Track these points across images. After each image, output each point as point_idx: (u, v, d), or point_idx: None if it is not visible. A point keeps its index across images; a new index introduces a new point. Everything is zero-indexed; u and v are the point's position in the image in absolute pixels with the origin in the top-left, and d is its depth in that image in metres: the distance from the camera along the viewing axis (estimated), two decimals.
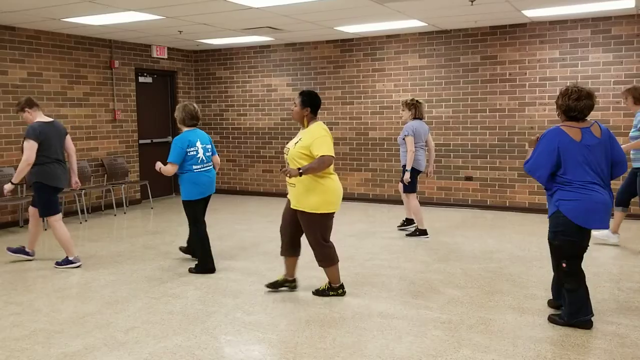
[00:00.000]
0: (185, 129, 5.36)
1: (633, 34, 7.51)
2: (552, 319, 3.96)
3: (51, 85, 8.19)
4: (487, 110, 8.43)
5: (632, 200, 6.14)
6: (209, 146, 5.44)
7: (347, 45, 9.32)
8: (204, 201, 5.44)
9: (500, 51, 8.26)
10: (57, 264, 5.62)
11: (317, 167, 4.13)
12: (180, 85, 10.51)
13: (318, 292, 4.62)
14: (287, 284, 4.70)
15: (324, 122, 4.52)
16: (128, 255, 6.11)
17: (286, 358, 3.47)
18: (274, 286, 4.67)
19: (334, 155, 4.24)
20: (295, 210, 4.37)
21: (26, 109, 5.53)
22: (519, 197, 8.34)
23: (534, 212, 8.14)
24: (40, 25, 7.60)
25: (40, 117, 5.55)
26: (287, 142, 4.51)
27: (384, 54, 9.04)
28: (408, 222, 7.04)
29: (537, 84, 8.09)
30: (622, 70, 7.58)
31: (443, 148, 8.74)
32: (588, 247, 3.82)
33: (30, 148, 5.35)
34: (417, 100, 6.61)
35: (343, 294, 4.63)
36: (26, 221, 5.89)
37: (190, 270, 5.37)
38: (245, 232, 7.22)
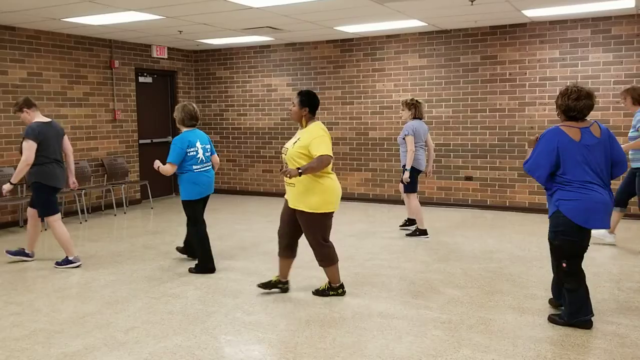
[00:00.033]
0: (184, 129, 5.36)
1: (633, 34, 7.51)
2: (552, 319, 3.96)
3: (51, 85, 8.19)
4: (487, 110, 8.43)
5: (632, 200, 6.14)
6: (208, 146, 5.45)
7: (347, 45, 9.32)
8: (203, 201, 5.45)
9: (500, 51, 8.26)
10: (57, 264, 5.62)
11: (316, 166, 4.13)
12: (180, 85, 10.52)
13: (318, 292, 4.62)
14: (280, 285, 4.68)
15: (324, 122, 4.53)
16: (128, 255, 6.11)
17: (286, 358, 3.47)
18: (267, 286, 4.65)
19: (332, 155, 4.24)
20: (294, 211, 4.37)
21: (24, 109, 5.53)
22: (519, 197, 8.34)
23: (534, 212, 8.14)
24: (40, 25, 7.60)
25: (39, 118, 5.55)
26: (287, 142, 4.51)
27: (384, 54, 9.04)
28: (410, 222, 7.03)
29: (537, 84, 8.09)
30: (622, 70, 7.58)
31: (443, 148, 8.74)
32: (588, 247, 3.82)
33: (30, 148, 5.35)
34: (416, 100, 6.61)
35: (343, 293, 4.63)
36: (26, 221, 5.89)
37: (190, 270, 5.37)
38: (245, 232, 7.22)
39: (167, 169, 5.19)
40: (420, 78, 8.81)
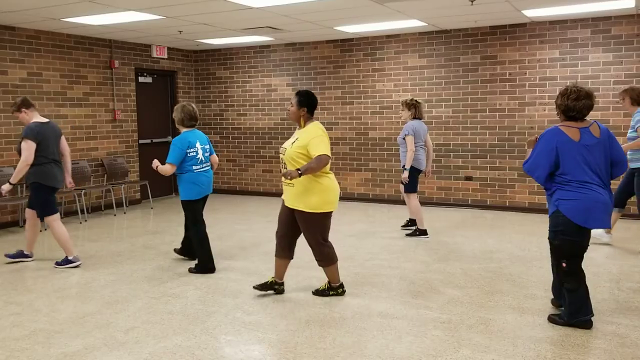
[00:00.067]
0: (184, 129, 5.37)
1: (633, 34, 7.51)
2: (552, 319, 3.97)
3: (51, 85, 8.19)
4: (487, 110, 8.43)
5: (632, 200, 6.14)
6: (207, 146, 5.46)
7: (347, 45, 9.32)
8: (203, 201, 5.46)
9: (500, 51, 8.26)
10: (57, 264, 5.62)
11: (315, 166, 4.13)
12: (180, 85, 10.52)
13: (318, 292, 4.62)
14: (276, 286, 4.66)
15: (324, 122, 4.53)
16: (128, 255, 6.11)
17: (286, 358, 3.47)
18: (263, 288, 4.63)
19: (330, 154, 4.24)
20: (292, 211, 4.37)
21: (23, 109, 5.53)
22: (519, 197, 8.34)
23: (534, 212, 8.15)
24: (40, 25, 7.60)
25: (37, 118, 5.55)
26: (285, 142, 4.51)
27: (384, 54, 9.04)
28: (412, 222, 7.02)
29: (537, 84, 8.09)
30: (622, 70, 7.59)
31: (443, 148, 8.74)
32: (588, 247, 3.82)
33: (29, 148, 5.35)
34: (416, 100, 6.62)
35: (343, 293, 4.63)
36: (26, 221, 5.89)
37: (190, 270, 5.37)
38: (245, 232, 7.22)
39: (166, 169, 5.18)
40: (420, 78, 8.82)
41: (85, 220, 8.13)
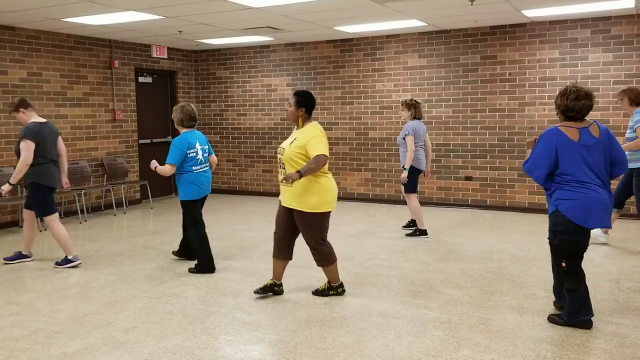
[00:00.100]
0: (183, 130, 5.37)
1: (633, 34, 7.51)
2: (552, 319, 3.97)
3: (51, 85, 8.19)
4: (487, 110, 8.43)
5: (632, 200, 6.14)
6: (206, 147, 5.48)
7: (347, 45, 9.32)
8: (202, 201, 5.47)
9: (500, 51, 8.26)
10: (57, 264, 5.62)
11: (315, 167, 4.13)
12: (180, 85, 10.52)
13: (318, 292, 4.62)
14: (275, 287, 4.65)
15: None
16: (128, 255, 6.11)
17: (286, 358, 3.47)
18: (263, 291, 4.60)
19: (328, 154, 4.24)
20: (290, 212, 4.36)
21: (21, 109, 5.52)
22: (518, 197, 8.34)
23: (534, 212, 8.15)
24: (40, 25, 7.60)
25: (35, 118, 5.55)
26: (283, 142, 4.50)
27: (384, 54, 9.04)
28: (413, 223, 7.01)
29: (537, 84, 8.09)
30: (622, 70, 7.59)
31: (443, 148, 8.74)
32: (588, 247, 3.82)
33: (28, 148, 5.35)
34: (416, 100, 6.62)
35: (342, 292, 4.63)
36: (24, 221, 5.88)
37: (190, 270, 5.37)
38: (245, 232, 7.22)
39: (166, 169, 5.18)
40: (420, 78, 8.82)
41: (85, 220, 8.13)
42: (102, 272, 5.42)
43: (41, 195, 5.53)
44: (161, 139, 10.20)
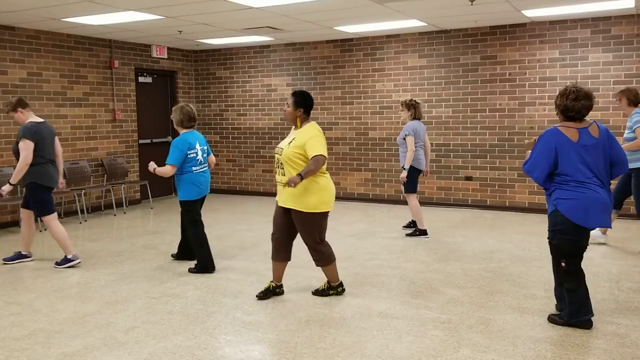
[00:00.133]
0: (183, 130, 5.37)
1: (633, 34, 7.51)
2: (552, 319, 3.97)
3: (51, 85, 8.19)
4: (487, 110, 8.43)
5: (631, 200, 6.14)
6: (205, 147, 5.49)
7: (347, 45, 9.32)
8: (201, 201, 5.47)
9: (500, 51, 8.26)
10: (57, 264, 5.62)
11: (314, 168, 4.13)
12: (180, 85, 10.52)
13: (318, 292, 4.62)
14: (276, 289, 4.64)
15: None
16: (128, 255, 6.11)
17: (286, 358, 3.47)
18: (265, 295, 4.58)
19: (326, 155, 4.24)
20: (288, 213, 4.36)
21: (19, 109, 5.52)
22: (518, 197, 8.34)
23: (534, 212, 8.15)
24: (40, 25, 7.60)
25: (32, 118, 5.56)
26: (281, 143, 4.49)
27: (384, 54, 9.04)
28: (414, 223, 7.01)
29: (537, 84, 8.09)
30: (622, 70, 7.59)
31: (443, 148, 8.74)
32: (587, 247, 3.82)
33: (27, 148, 5.36)
34: (415, 101, 6.63)
35: (342, 291, 4.63)
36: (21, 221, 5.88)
37: (190, 270, 5.37)
38: (245, 232, 7.22)
39: (167, 170, 5.19)
40: (420, 78, 8.82)
41: (85, 220, 8.13)
42: (102, 272, 5.42)
43: (40, 195, 5.54)
44: (161, 139, 10.20)
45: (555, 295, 4.12)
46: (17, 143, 5.45)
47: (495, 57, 8.30)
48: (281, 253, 4.51)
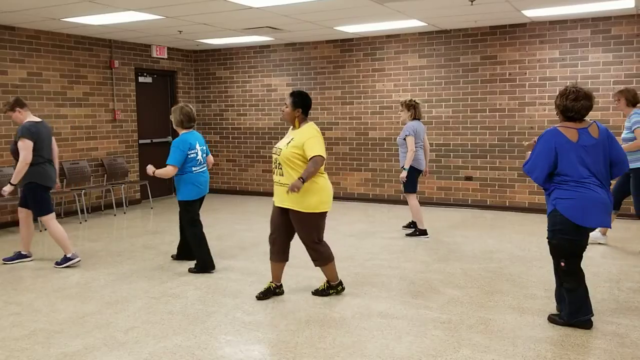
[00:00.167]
0: (183, 131, 5.37)
1: (633, 34, 7.51)
2: (552, 319, 3.97)
3: (51, 85, 8.19)
4: (487, 110, 8.43)
5: (630, 200, 6.14)
6: (204, 147, 5.49)
7: (347, 45, 9.32)
8: (200, 201, 5.48)
9: (500, 51, 8.26)
10: (57, 264, 5.62)
11: (314, 170, 4.14)
12: (180, 85, 10.52)
13: (317, 292, 4.62)
14: (276, 290, 4.64)
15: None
16: (128, 255, 6.11)
17: (286, 358, 3.47)
18: (266, 295, 4.59)
19: (325, 155, 4.24)
20: (286, 213, 4.35)
21: (17, 108, 5.53)
22: (518, 197, 8.34)
23: (534, 212, 8.14)
24: (40, 25, 7.60)
25: (30, 117, 5.56)
26: (278, 143, 4.49)
27: (384, 54, 9.04)
28: (414, 223, 7.00)
29: (537, 84, 8.09)
30: (622, 70, 7.59)
31: (443, 148, 8.74)
32: (587, 247, 3.82)
33: (27, 147, 5.36)
34: (415, 101, 6.64)
35: (342, 290, 4.64)
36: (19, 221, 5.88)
37: (190, 270, 5.38)
38: (245, 232, 7.22)
39: (168, 171, 5.19)
40: (420, 78, 8.82)
41: (85, 220, 8.13)
42: (102, 272, 5.42)
43: (40, 195, 5.54)
44: (161, 139, 10.20)
45: (556, 298, 4.11)
46: (15, 143, 5.45)
47: (495, 57, 8.30)
48: (279, 254, 4.51)
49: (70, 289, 4.93)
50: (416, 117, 6.60)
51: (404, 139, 6.49)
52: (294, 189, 4.04)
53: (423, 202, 8.35)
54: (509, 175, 8.37)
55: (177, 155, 5.18)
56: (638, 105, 5.86)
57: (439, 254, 5.93)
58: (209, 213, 8.27)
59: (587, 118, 3.79)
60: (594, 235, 6.10)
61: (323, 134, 9.29)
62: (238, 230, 7.30)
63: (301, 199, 4.24)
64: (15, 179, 5.45)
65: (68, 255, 5.61)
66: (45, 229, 7.09)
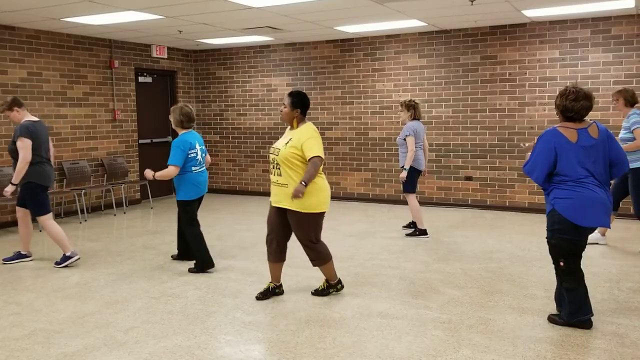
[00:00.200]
0: (182, 131, 5.37)
1: (633, 34, 7.51)
2: (551, 319, 3.97)
3: (51, 85, 8.19)
4: (487, 110, 8.43)
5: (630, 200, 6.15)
6: (203, 147, 5.50)
7: (347, 45, 9.32)
8: (199, 201, 5.49)
9: (500, 51, 8.26)
10: (57, 263, 5.62)
11: (314, 172, 4.15)
12: (180, 85, 10.52)
13: (317, 292, 4.62)
14: (276, 290, 4.64)
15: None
16: (128, 255, 6.11)
17: (286, 358, 3.47)
18: (266, 295, 4.59)
19: (323, 156, 4.24)
20: (283, 213, 4.35)
21: (15, 108, 5.52)
22: (518, 197, 8.34)
23: (534, 212, 8.14)
24: (40, 25, 7.60)
25: (28, 117, 5.56)
26: (276, 143, 4.48)
27: (384, 54, 9.04)
28: (414, 224, 7.00)
29: (537, 84, 8.09)
30: (622, 70, 7.59)
31: (443, 148, 8.74)
32: (586, 246, 3.82)
33: (26, 147, 5.36)
34: (414, 101, 6.64)
35: (342, 288, 4.65)
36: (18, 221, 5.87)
37: (190, 270, 5.38)
38: (245, 232, 7.22)
39: (170, 171, 5.20)
40: (420, 78, 8.82)
41: (85, 220, 8.13)
42: (102, 272, 5.42)
43: (38, 195, 5.54)
44: (161, 139, 10.20)
45: (555, 299, 4.11)
46: (14, 142, 5.45)
47: (495, 57, 8.30)
48: (277, 254, 4.51)
49: (70, 289, 4.93)
50: (416, 117, 6.60)
51: (404, 139, 6.49)
52: (297, 194, 4.05)
53: (423, 202, 8.35)
54: (509, 175, 8.37)
55: (179, 155, 5.19)
56: (636, 105, 5.86)
57: (439, 254, 5.93)
58: (209, 213, 8.28)
59: (587, 118, 3.80)
60: (594, 236, 6.10)
61: (323, 134, 9.30)
62: (238, 230, 7.30)
63: (302, 199, 4.23)
64: (16, 179, 5.45)
65: (67, 254, 5.61)
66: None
